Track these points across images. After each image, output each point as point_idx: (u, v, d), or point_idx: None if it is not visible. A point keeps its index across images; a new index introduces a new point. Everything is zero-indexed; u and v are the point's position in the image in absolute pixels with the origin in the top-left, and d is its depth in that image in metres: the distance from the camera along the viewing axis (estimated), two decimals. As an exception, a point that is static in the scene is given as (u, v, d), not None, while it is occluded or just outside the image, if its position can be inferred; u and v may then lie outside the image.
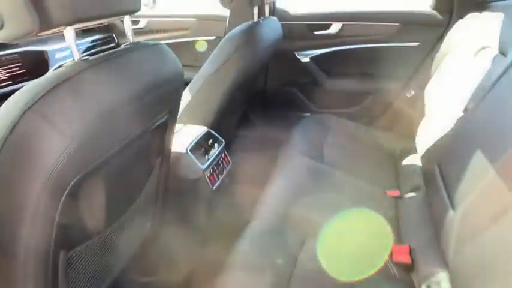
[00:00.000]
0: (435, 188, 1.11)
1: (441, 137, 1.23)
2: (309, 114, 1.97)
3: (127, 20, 0.79)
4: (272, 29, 1.50)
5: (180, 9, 2.11)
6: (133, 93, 0.72)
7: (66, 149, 0.56)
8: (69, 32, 0.63)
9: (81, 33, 2.03)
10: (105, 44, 2.15)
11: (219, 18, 1.94)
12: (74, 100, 0.58)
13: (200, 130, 1.32)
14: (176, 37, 2.07)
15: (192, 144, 1.22)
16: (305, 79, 1.92)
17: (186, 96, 1.38)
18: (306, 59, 1.85)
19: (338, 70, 1.86)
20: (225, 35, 1.97)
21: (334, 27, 1.79)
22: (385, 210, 1.22)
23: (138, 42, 0.81)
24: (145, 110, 0.80)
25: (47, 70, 1.73)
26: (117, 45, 2.20)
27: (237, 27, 1.38)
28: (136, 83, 0.73)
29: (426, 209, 1.17)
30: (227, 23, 1.92)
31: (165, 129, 0.98)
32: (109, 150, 0.70)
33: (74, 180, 0.61)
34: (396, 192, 1.31)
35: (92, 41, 2.04)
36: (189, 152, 1.19)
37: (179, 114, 1.27)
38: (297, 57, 1.86)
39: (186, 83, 2.17)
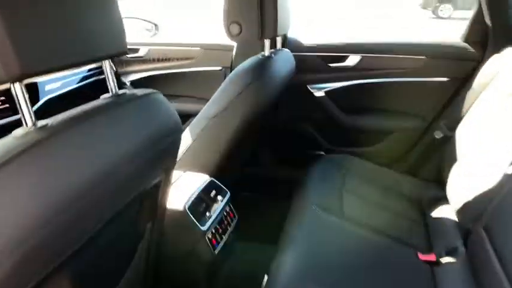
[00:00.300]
0: (484, 260, 0.92)
1: (485, 193, 1.04)
2: (323, 153, 1.79)
3: (107, 65, 0.63)
4: (285, 63, 1.34)
5: (184, 37, 1.96)
6: (113, 166, 0.54)
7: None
8: (17, 89, 0.46)
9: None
10: (103, 73, 2.00)
11: (225, 48, 1.80)
12: (16, 188, 0.41)
13: (201, 179, 1.14)
14: (179, 67, 1.92)
15: (192, 199, 1.04)
16: (319, 115, 1.75)
17: (187, 139, 1.21)
18: (320, 93, 1.68)
19: (356, 105, 1.68)
20: (231, 66, 1.83)
21: (352, 60, 1.62)
22: (421, 282, 1.02)
23: (123, 94, 0.64)
24: (131, 180, 0.63)
25: (35, 103, 1.58)
26: (117, 73, 2.06)
27: (245, 62, 1.22)
28: (117, 152, 0.56)
29: (472, 283, 0.97)
30: (234, 53, 1.77)
31: (158, 190, 0.80)
32: (79, 240, 0.52)
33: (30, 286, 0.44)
34: (431, 257, 1.11)
35: (89, 70, 1.90)
36: (187, 209, 1.00)
37: (178, 158, 1.10)
38: (310, 91, 1.69)
39: (189, 115, 2.02)
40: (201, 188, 1.10)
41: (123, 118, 0.60)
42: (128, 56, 1.97)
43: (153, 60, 1.94)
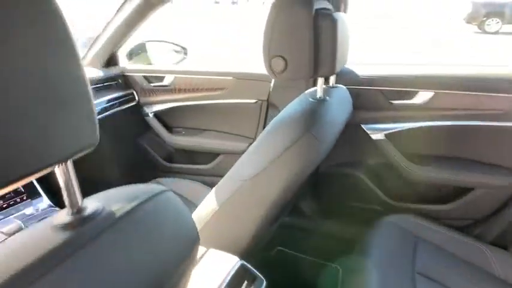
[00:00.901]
0: None
1: None
2: (379, 208, 1.46)
3: (70, 167, 0.35)
4: (342, 106, 1.04)
5: (214, 65, 1.72)
6: None
7: None
8: None
9: (95, 91, 1.68)
10: (124, 104, 1.78)
11: (261, 78, 1.52)
12: None
13: (228, 265, 0.85)
14: (208, 98, 1.66)
15: None
16: (376, 161, 1.42)
17: (211, 205, 0.92)
18: (378, 135, 1.35)
19: (425, 153, 1.34)
20: (268, 99, 1.55)
21: (422, 96, 1.29)
22: None
23: (94, 212, 0.37)
24: None
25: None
26: (138, 103, 1.84)
27: (292, 105, 0.93)
28: None
29: None
30: (272, 85, 1.50)
31: None
32: None
33: None
34: None
35: (108, 101, 1.68)
36: (208, 321, 0.71)
37: (199, 228, 0.82)
38: (366, 132, 1.38)
39: (218, 153, 1.75)
40: (228, 279, 0.81)
41: (97, 263, 0.32)
42: (151, 84, 1.74)
43: (179, 90, 1.70)
